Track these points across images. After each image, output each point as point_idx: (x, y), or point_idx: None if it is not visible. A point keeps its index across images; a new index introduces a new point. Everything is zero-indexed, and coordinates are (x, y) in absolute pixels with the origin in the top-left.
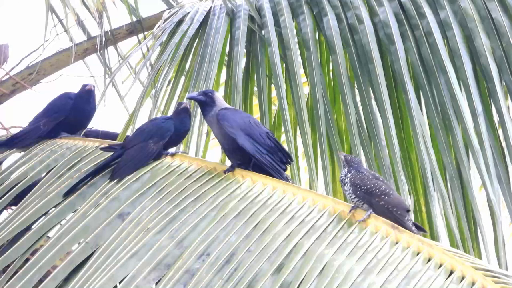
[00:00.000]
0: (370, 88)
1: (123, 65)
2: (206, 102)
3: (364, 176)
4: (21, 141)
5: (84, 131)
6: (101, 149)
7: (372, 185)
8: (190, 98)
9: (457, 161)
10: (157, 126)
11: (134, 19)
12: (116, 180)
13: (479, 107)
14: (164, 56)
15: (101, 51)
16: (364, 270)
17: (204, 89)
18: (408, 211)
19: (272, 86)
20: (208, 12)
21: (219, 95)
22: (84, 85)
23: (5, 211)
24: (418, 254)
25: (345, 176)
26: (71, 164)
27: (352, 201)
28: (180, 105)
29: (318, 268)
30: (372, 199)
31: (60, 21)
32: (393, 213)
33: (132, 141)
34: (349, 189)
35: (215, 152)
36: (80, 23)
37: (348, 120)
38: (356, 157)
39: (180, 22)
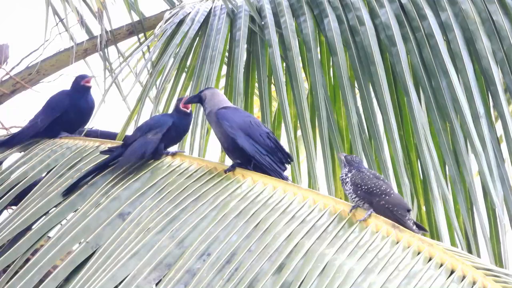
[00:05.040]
0: (372, 89)
1: (124, 68)
2: (199, 101)
3: (364, 175)
4: (19, 139)
5: (85, 131)
6: (101, 152)
7: (373, 184)
8: (186, 103)
9: (459, 163)
10: (155, 120)
11: (135, 18)
12: (116, 180)
13: (480, 109)
14: (165, 57)
15: (101, 51)
16: (364, 269)
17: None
18: (408, 210)
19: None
20: (209, 13)
21: (218, 92)
22: (79, 78)
23: (5, 211)
24: (418, 253)
25: (345, 175)
26: (72, 164)
27: (353, 201)
28: (179, 101)
29: (319, 268)
30: (373, 198)
31: (61, 20)
32: (394, 213)
33: (131, 138)
34: (350, 189)
35: (214, 151)
36: (81, 23)
37: (349, 121)
38: (356, 157)
39: (180, 23)
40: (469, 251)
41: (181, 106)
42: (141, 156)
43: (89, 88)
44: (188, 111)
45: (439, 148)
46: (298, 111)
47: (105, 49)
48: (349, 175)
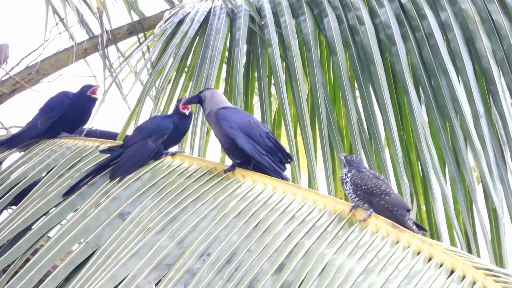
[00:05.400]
0: (371, 89)
1: (124, 66)
2: (198, 101)
3: (364, 175)
4: (19, 140)
5: (85, 131)
6: (100, 151)
7: (373, 184)
8: (186, 104)
9: (459, 162)
10: (156, 124)
11: (135, 18)
12: (116, 180)
13: (480, 109)
14: (165, 57)
15: (102, 51)
16: (364, 269)
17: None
18: (408, 210)
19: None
20: (209, 13)
21: (217, 92)
22: (86, 88)
23: (5, 211)
24: (418, 253)
25: (345, 175)
26: (71, 164)
27: (353, 201)
28: (179, 102)
29: (319, 268)
30: (373, 198)
31: (62, 19)
32: (394, 213)
33: (131, 140)
34: (350, 189)
35: (215, 151)
36: (81, 23)
37: (349, 121)
38: (356, 157)
39: (180, 22)
40: (469, 251)
41: (180, 107)
42: (141, 164)
43: (95, 100)
44: (187, 112)
45: (439, 148)
46: (298, 111)
47: (105, 49)
48: (349, 175)
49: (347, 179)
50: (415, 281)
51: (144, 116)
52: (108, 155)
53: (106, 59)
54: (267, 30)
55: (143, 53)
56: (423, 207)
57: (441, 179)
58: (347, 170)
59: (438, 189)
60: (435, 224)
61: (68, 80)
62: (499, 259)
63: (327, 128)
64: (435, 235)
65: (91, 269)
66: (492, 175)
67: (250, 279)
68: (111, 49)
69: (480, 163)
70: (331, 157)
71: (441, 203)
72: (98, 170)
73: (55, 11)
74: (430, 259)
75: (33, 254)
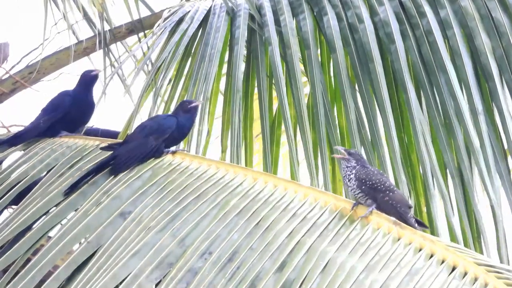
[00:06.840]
0: (370, 88)
1: (125, 61)
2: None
3: (369, 171)
4: (22, 139)
5: (84, 129)
6: (101, 148)
7: (377, 180)
8: None
9: (458, 160)
10: (157, 123)
11: (136, 16)
12: (117, 178)
13: (479, 106)
14: (164, 55)
15: (101, 50)
16: (366, 267)
17: None
18: (410, 207)
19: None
20: (208, 11)
21: None
22: (87, 72)
23: (5, 210)
24: (420, 250)
25: (350, 171)
26: (72, 163)
27: (356, 196)
28: (190, 103)
29: (321, 266)
30: (377, 194)
31: (63, 17)
32: (397, 209)
33: (133, 138)
34: (354, 184)
35: (215, 150)
36: (83, 21)
37: (348, 120)
38: (357, 150)
39: (180, 21)
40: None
41: (189, 106)
42: (141, 159)
43: (96, 77)
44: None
45: (438, 146)
46: (297, 109)
47: (105, 49)
48: (353, 171)
49: (351, 175)
50: (416, 278)
51: (144, 115)
52: (109, 152)
53: (107, 58)
54: (267, 28)
55: (144, 53)
56: (424, 209)
57: (439, 177)
58: (349, 165)
59: (437, 187)
60: (434, 223)
61: (68, 79)
62: (499, 258)
63: (325, 127)
64: (435, 234)
65: (93, 268)
66: (491, 172)
67: (252, 278)
68: (111, 48)
69: (479, 160)
70: (329, 158)
71: (441, 202)
72: (98, 168)
73: (57, 6)
74: (431, 256)
75: (34, 254)
